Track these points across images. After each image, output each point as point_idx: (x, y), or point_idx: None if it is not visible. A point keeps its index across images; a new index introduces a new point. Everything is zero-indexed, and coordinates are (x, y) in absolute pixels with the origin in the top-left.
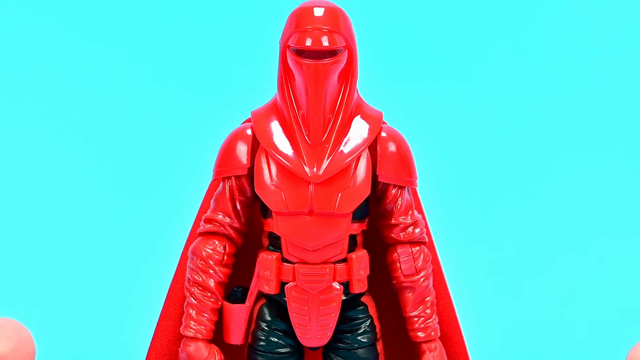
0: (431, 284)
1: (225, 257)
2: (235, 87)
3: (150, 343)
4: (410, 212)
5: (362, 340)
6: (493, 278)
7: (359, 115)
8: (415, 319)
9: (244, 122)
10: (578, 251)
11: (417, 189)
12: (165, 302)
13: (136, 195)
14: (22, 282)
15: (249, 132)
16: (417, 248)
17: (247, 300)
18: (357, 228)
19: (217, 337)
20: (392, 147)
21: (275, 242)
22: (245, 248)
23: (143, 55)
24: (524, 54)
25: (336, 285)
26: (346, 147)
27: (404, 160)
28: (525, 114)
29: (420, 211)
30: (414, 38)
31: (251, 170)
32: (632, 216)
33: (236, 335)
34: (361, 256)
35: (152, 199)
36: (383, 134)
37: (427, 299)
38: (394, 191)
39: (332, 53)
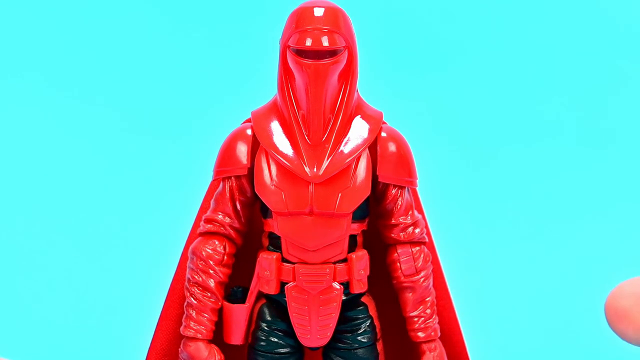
0: (431, 284)
1: (225, 257)
2: (235, 87)
3: (150, 343)
4: (410, 212)
5: (362, 340)
6: (493, 278)
7: (359, 116)
8: (415, 319)
9: (244, 122)
10: (580, 251)
11: (417, 189)
12: (165, 302)
13: (136, 196)
14: (21, 282)
15: (249, 132)
16: (417, 248)
17: (247, 301)
18: (357, 228)
19: (217, 337)
20: (392, 147)
21: (275, 242)
22: (245, 248)
23: (144, 55)
24: (525, 55)
25: (336, 285)
26: (346, 147)
27: (404, 160)
28: (525, 114)
29: (420, 211)
30: (415, 38)
31: (251, 170)
32: (633, 217)
33: (236, 335)
34: (361, 256)
35: (152, 199)
36: (383, 134)
37: (427, 299)
38: (394, 191)
39: (332, 53)
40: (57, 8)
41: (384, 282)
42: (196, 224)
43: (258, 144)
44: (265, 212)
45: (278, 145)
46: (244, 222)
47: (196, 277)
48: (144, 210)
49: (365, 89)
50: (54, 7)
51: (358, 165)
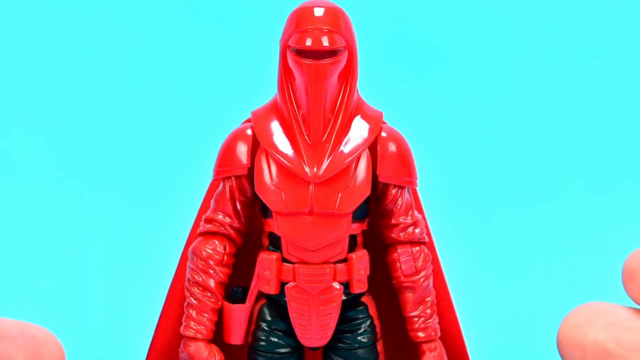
0: (431, 284)
1: (226, 257)
2: (235, 87)
3: (150, 343)
4: (410, 212)
5: (362, 340)
6: (493, 277)
7: (359, 115)
8: (416, 319)
9: (244, 122)
10: (580, 250)
11: (417, 189)
12: (165, 302)
13: (136, 196)
14: (20, 282)
15: (249, 132)
16: (417, 248)
17: (247, 300)
18: (357, 228)
19: (217, 337)
20: (392, 147)
21: (275, 242)
22: (245, 248)
23: (143, 54)
24: (526, 56)
25: (336, 285)
26: (346, 147)
27: (404, 160)
28: (526, 115)
29: (421, 211)
30: (415, 38)
31: (251, 170)
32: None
33: (236, 335)
34: (361, 256)
35: (152, 199)
36: (383, 134)
37: (427, 299)
38: (394, 191)
39: (332, 53)
40: (58, 5)
41: (384, 282)
42: (196, 224)
43: (258, 144)
44: (265, 212)
45: (278, 145)
46: (244, 222)
47: (196, 277)
48: (144, 210)
49: (365, 89)
50: (56, 8)
51: (358, 165)
